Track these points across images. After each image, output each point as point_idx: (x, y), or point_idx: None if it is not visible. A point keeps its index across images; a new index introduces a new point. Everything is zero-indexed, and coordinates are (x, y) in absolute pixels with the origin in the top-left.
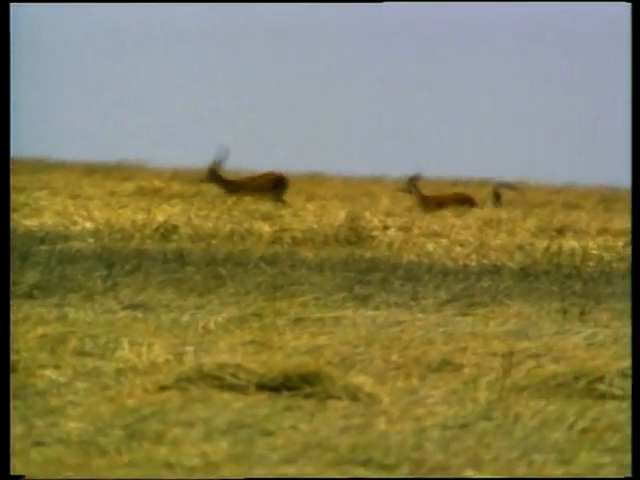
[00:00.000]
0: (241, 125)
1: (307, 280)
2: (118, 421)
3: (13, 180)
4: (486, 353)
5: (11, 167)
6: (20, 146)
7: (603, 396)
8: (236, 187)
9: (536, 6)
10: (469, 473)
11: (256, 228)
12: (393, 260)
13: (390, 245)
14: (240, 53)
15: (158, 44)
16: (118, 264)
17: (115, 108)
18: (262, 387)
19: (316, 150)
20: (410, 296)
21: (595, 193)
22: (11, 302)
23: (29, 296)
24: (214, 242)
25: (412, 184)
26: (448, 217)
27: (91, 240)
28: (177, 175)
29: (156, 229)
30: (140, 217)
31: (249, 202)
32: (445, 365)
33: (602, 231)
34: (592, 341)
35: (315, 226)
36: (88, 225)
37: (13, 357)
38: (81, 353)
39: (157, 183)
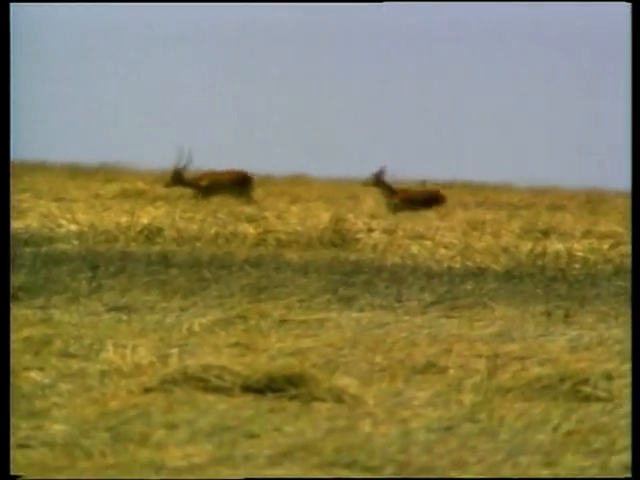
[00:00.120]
0: (224, 126)
1: (291, 282)
2: (103, 423)
3: None
4: (471, 355)
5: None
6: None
7: (588, 398)
8: (202, 188)
9: (536, 6)
10: (454, 475)
11: (240, 230)
12: (377, 262)
13: (374, 247)
14: (223, 55)
15: (149, 45)
16: (102, 266)
17: (99, 109)
18: (247, 389)
19: (300, 152)
20: (394, 298)
21: (580, 195)
22: None
23: (14, 298)
24: (198, 244)
25: (378, 178)
26: (432, 219)
27: (75, 242)
28: (162, 177)
29: (140, 231)
30: (124, 219)
31: (233, 204)
32: (430, 367)
33: (587, 233)
34: (577, 343)
35: (299, 228)
36: (72, 227)
37: None
38: (66, 355)
39: (141, 185)
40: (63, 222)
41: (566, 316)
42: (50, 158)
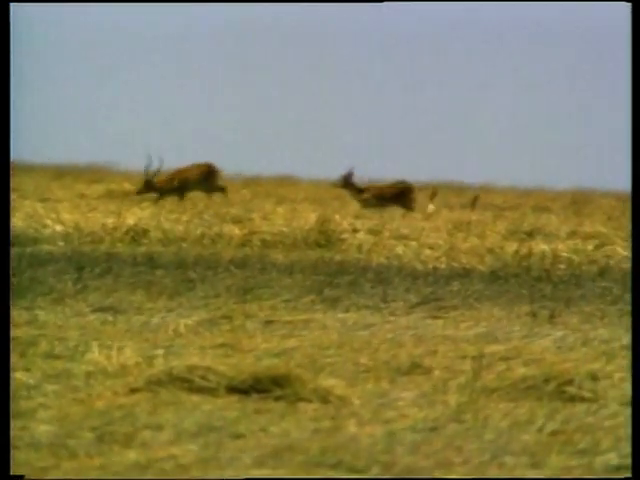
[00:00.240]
0: (210, 128)
1: (277, 283)
2: (88, 423)
3: None
4: (456, 356)
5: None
6: None
7: (572, 399)
8: (171, 189)
9: (536, 6)
10: (439, 475)
11: (226, 231)
12: (363, 263)
13: (360, 248)
14: (215, 56)
15: (147, 45)
16: (88, 267)
17: (88, 110)
18: (232, 390)
19: (286, 153)
20: (380, 299)
21: (565, 196)
22: None
23: None
24: (184, 245)
25: (346, 180)
26: (417, 220)
27: (61, 243)
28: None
29: (126, 232)
30: (110, 220)
31: (219, 205)
32: (415, 368)
33: (572, 234)
34: (562, 344)
35: (285, 229)
36: (58, 228)
37: None
38: (51, 356)
39: (127, 186)
40: (48, 223)
41: (551, 317)
42: (36, 159)
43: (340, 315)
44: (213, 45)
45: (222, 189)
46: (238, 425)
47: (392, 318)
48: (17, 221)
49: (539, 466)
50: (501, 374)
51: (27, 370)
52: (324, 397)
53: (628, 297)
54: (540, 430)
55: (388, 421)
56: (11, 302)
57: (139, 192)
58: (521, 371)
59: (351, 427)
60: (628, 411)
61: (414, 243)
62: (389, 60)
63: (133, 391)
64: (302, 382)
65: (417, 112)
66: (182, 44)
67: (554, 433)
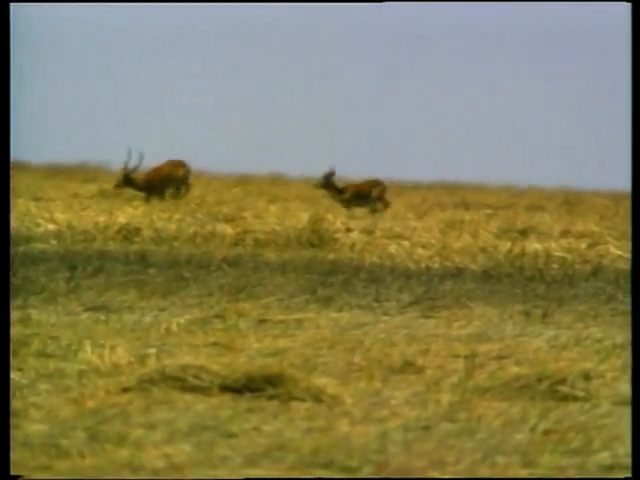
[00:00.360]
0: (202, 126)
1: (270, 282)
2: (81, 423)
3: None
4: (449, 355)
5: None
6: None
7: (565, 398)
8: (147, 186)
9: (536, 6)
10: (432, 475)
11: (219, 230)
12: (356, 262)
13: (352, 247)
14: (207, 56)
15: (144, 45)
16: (80, 266)
17: (78, 109)
18: (225, 389)
19: (278, 152)
20: (373, 298)
21: (558, 195)
22: None
23: None
24: (176, 244)
25: (327, 180)
26: (410, 219)
27: (54, 242)
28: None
29: (118, 231)
30: (102, 219)
31: (211, 204)
32: (408, 367)
33: (565, 233)
34: (555, 343)
35: (278, 228)
36: (50, 227)
37: None
38: (43, 355)
39: None
40: (41, 221)
41: (544, 316)
42: (29, 158)
43: (333, 314)
44: (209, 45)
45: (187, 186)
46: (231, 424)
47: (385, 317)
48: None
49: (532, 465)
50: (494, 373)
51: (20, 369)
52: (317, 396)
53: (621, 296)
54: (533, 429)
55: (381, 420)
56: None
57: (117, 186)
58: (514, 370)
59: (344, 426)
60: (621, 410)
61: (407, 242)
62: (387, 60)
63: (126, 390)
64: (295, 381)
65: (411, 112)
66: (179, 45)
67: (547, 432)
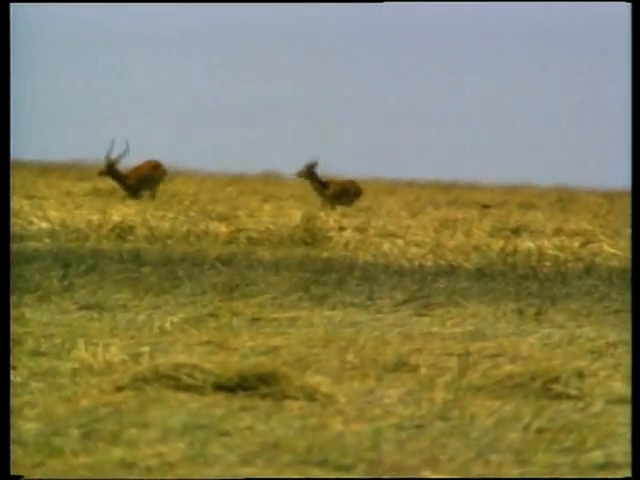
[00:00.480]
0: (195, 124)
1: (263, 280)
2: (74, 421)
3: None
4: (442, 353)
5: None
6: None
7: (559, 396)
8: (126, 181)
9: (536, 6)
10: (425, 473)
11: (212, 228)
12: (349, 260)
13: (346, 245)
14: (204, 55)
15: (143, 46)
16: (74, 264)
17: (73, 107)
18: (218, 387)
19: (272, 150)
20: (366, 296)
21: (551, 193)
22: None
23: None
24: (170, 242)
25: (309, 170)
26: (404, 218)
27: (47, 240)
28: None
29: (112, 229)
30: (96, 217)
31: (205, 203)
32: (401, 365)
33: (558, 231)
34: (548, 341)
35: (271, 226)
36: (44, 225)
37: None
38: (37, 353)
39: (113, 183)
40: (34, 220)
41: (537, 314)
42: (22, 156)
43: (327, 313)
44: (208, 45)
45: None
46: (225, 423)
47: (378, 316)
48: None
49: (525, 464)
50: (487, 372)
51: (13, 368)
52: (310, 395)
53: (614, 294)
54: (526, 428)
55: (374, 419)
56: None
57: (100, 173)
58: (507, 369)
59: (337, 425)
60: (614, 409)
61: (400, 241)
62: (383, 60)
63: (119, 389)
64: (288, 380)
65: (405, 111)
66: (179, 45)
67: (540, 431)
